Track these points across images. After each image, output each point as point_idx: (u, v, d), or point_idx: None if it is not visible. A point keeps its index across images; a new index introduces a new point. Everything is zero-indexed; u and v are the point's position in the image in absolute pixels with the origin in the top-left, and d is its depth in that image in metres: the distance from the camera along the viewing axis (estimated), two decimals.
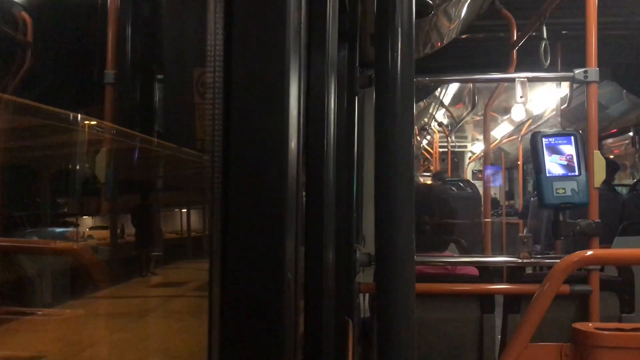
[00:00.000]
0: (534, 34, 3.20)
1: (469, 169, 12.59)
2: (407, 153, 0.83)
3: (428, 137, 11.74)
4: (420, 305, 2.51)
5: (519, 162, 8.87)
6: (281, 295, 0.57)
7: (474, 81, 4.60)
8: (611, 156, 7.79)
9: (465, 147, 13.00)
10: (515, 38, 3.38)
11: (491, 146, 7.90)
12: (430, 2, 2.05)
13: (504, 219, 6.92)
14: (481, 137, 11.53)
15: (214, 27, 0.60)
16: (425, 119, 9.93)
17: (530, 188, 11.06)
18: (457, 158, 12.95)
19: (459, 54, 3.93)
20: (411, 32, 0.92)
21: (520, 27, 3.34)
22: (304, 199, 1.25)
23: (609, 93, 5.66)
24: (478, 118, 8.51)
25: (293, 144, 0.61)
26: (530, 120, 7.49)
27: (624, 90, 5.43)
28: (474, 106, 6.12)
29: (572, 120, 5.25)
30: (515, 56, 3.39)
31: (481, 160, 12.42)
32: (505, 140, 9.76)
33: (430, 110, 9.18)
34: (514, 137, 9.02)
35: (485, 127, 5.11)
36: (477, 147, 12.72)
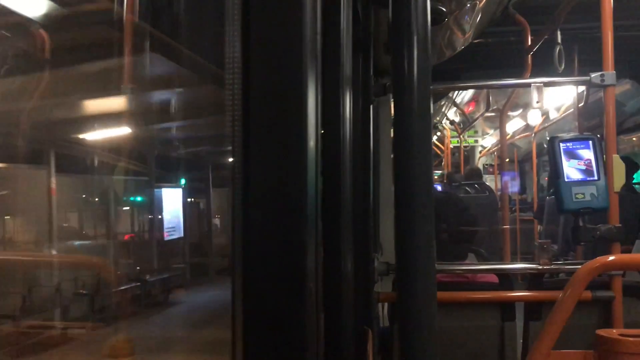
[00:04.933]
0: (548, 37, 3.18)
1: (480, 163, 12.49)
2: (425, 160, 0.83)
3: (438, 134, 11.70)
4: (440, 313, 2.48)
5: (532, 159, 8.77)
6: (303, 306, 0.57)
7: (490, 87, 4.59)
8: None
9: (477, 141, 12.89)
10: (529, 43, 3.36)
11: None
12: (444, 9, 2.04)
13: (518, 215, 6.86)
14: (491, 131, 11.46)
15: (232, 40, 0.60)
16: (437, 118, 9.90)
17: (542, 182, 10.98)
18: (467, 152, 12.84)
19: (473, 58, 3.92)
20: (427, 40, 0.92)
21: (535, 32, 3.32)
22: (321, 208, 1.25)
23: (626, 90, 5.61)
24: (489, 114, 8.45)
25: (311, 154, 0.61)
26: (544, 117, 7.41)
27: None
28: (488, 107, 6.08)
29: (589, 118, 5.19)
30: (530, 61, 3.37)
31: (492, 155, 12.35)
32: (517, 137, 9.67)
33: (443, 109, 9.15)
34: (527, 133, 8.93)
35: (501, 132, 5.08)
36: (487, 142, 12.63)
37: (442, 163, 11.95)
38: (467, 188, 7.03)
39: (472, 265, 2.87)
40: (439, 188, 8.66)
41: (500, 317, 2.53)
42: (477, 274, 2.70)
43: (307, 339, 0.58)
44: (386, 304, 2.82)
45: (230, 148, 0.59)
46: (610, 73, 2.40)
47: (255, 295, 0.57)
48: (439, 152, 12.35)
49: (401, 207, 0.83)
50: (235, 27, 0.60)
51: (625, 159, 2.50)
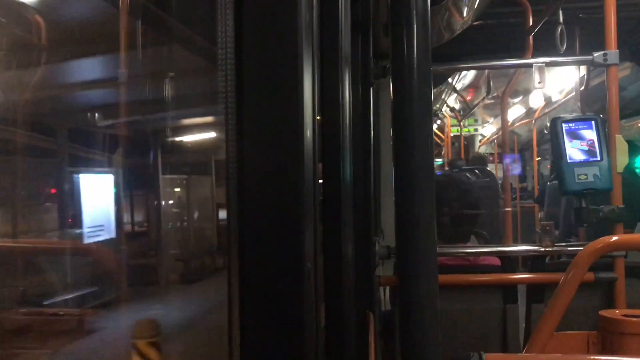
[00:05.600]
0: (549, 18, 3.14)
1: (480, 151, 12.43)
2: (425, 142, 0.81)
3: (438, 122, 11.64)
4: (442, 297, 2.48)
5: (532, 146, 8.74)
6: (301, 286, 0.56)
7: (490, 68, 4.55)
8: None
9: (476, 130, 12.82)
10: (531, 23, 3.33)
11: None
12: None
13: (519, 202, 6.85)
14: (491, 119, 11.41)
15: (224, 18, 0.59)
16: (437, 105, 9.86)
17: (542, 170, 10.97)
18: (467, 141, 12.78)
19: (473, 40, 3.87)
20: (426, 20, 0.91)
21: (536, 13, 3.28)
22: (321, 192, 1.24)
23: (627, 73, 5.57)
24: (489, 101, 8.40)
25: (308, 135, 0.60)
26: (544, 103, 7.37)
27: None
28: (489, 92, 6.03)
29: (590, 102, 5.15)
30: (531, 41, 3.33)
31: (492, 144, 12.31)
32: (517, 124, 9.63)
33: (443, 96, 9.11)
34: (528, 120, 8.89)
35: (502, 115, 5.05)
36: (487, 130, 12.57)
37: (443, 152, 11.91)
38: (467, 174, 7.00)
39: (474, 247, 2.87)
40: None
41: (502, 299, 2.53)
42: (480, 256, 2.69)
43: (306, 317, 0.57)
44: (387, 288, 2.82)
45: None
46: (613, 52, 2.37)
47: (252, 277, 0.56)
48: (439, 141, 12.30)
49: (401, 191, 0.81)
50: (226, 7, 0.58)
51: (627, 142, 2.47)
